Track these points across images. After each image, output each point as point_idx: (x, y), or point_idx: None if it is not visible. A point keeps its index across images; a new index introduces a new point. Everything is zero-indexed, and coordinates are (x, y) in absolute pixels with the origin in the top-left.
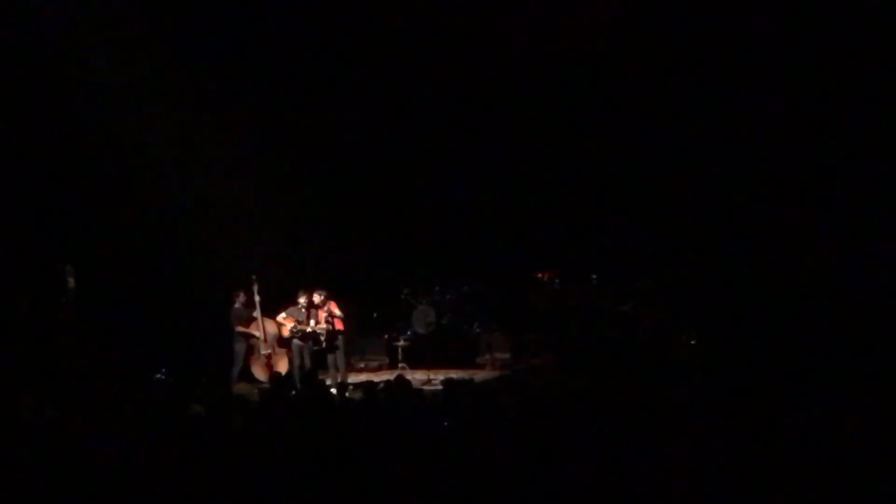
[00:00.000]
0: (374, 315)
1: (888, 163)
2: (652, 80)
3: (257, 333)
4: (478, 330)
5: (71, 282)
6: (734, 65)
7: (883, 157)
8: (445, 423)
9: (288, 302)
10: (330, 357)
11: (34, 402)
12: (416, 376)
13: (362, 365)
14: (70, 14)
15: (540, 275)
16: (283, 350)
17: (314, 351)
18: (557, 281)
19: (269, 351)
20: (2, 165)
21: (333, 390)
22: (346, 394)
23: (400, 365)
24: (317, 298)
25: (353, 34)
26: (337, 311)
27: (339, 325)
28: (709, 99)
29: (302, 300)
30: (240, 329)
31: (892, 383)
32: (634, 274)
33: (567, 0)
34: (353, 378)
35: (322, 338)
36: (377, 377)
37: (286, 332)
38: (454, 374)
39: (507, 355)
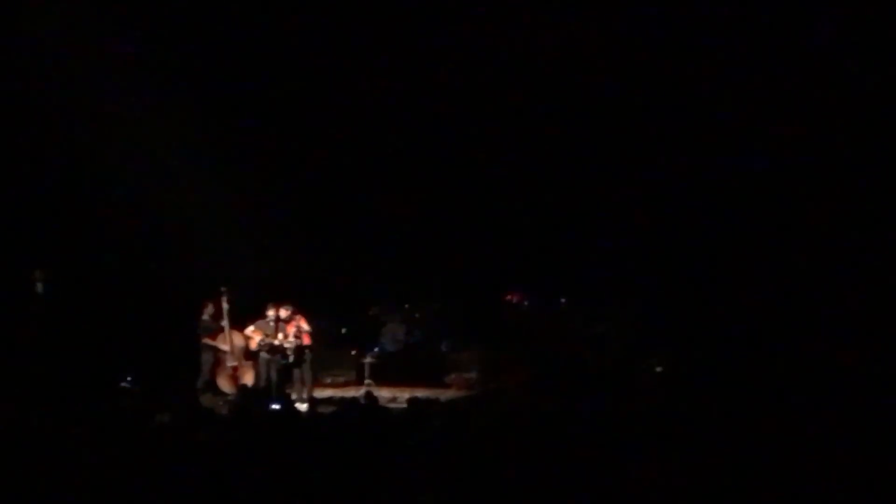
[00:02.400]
0: (343, 331)
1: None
2: (623, 107)
3: (224, 347)
4: (446, 349)
5: (39, 287)
6: (708, 92)
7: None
8: (411, 441)
9: (257, 315)
10: (296, 371)
11: None
12: (382, 394)
13: (329, 380)
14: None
15: (510, 296)
16: (250, 363)
17: (281, 365)
18: (527, 303)
19: (236, 363)
20: None
21: (299, 405)
22: (310, 409)
23: (366, 381)
24: (284, 313)
25: (329, 47)
26: (305, 326)
27: (306, 340)
28: (677, 126)
29: (270, 313)
30: (207, 341)
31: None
32: (604, 297)
33: (542, 25)
34: (319, 393)
35: (289, 352)
36: (343, 393)
37: (254, 345)
38: (421, 393)
39: (474, 375)
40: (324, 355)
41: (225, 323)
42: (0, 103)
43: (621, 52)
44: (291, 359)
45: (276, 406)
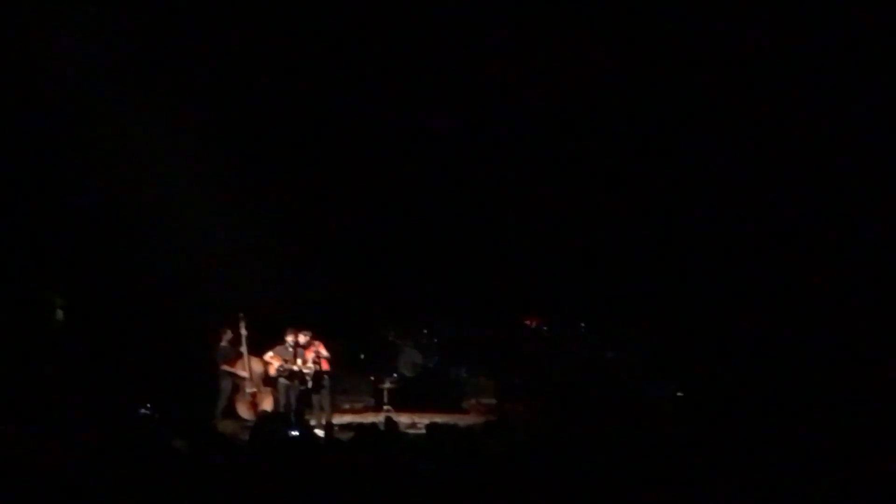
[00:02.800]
0: (361, 356)
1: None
2: (640, 129)
3: (242, 373)
4: (464, 374)
5: (59, 314)
6: (719, 116)
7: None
8: (428, 467)
9: (275, 341)
10: (315, 397)
11: (15, 434)
12: (401, 419)
13: (347, 406)
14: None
15: (528, 321)
16: (269, 389)
17: (300, 391)
18: (545, 328)
19: (255, 389)
20: None
21: (319, 431)
22: (332, 434)
23: (385, 407)
24: (302, 339)
25: (344, 77)
26: (324, 352)
27: (325, 366)
28: (693, 150)
29: (289, 339)
30: (225, 367)
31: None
32: (621, 321)
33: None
34: (338, 419)
35: (308, 378)
36: (362, 418)
37: (272, 371)
38: (439, 418)
39: (493, 400)
40: (342, 381)
41: (243, 349)
42: (22, 134)
43: (638, 75)
44: (310, 384)
45: (294, 433)
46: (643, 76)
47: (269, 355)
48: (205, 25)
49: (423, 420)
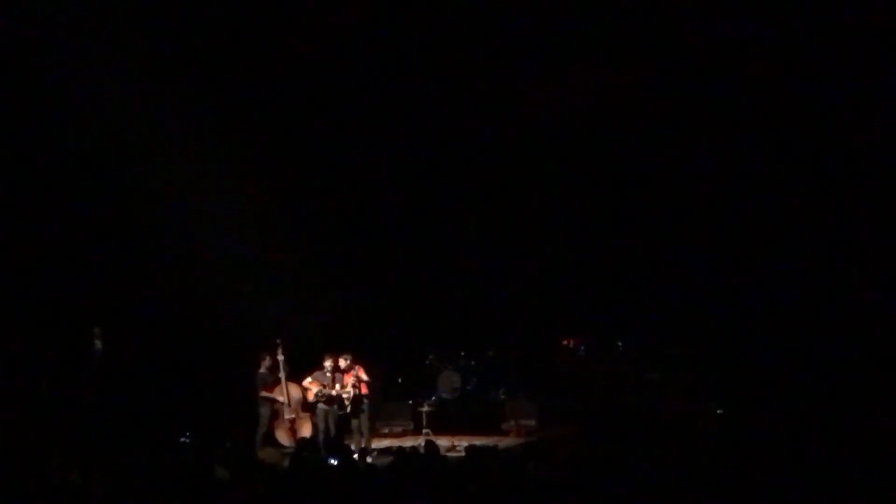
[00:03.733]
0: (399, 380)
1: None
2: (671, 147)
3: (281, 398)
4: (503, 396)
5: (98, 344)
6: (742, 137)
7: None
8: (470, 490)
9: (313, 366)
10: (354, 422)
11: (61, 464)
12: (441, 442)
13: (386, 430)
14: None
15: (566, 341)
16: (307, 414)
17: (339, 416)
18: (583, 348)
19: (294, 415)
20: (37, 229)
21: (357, 456)
22: (370, 459)
23: (424, 430)
24: (342, 363)
25: (377, 97)
26: (364, 376)
27: (364, 390)
28: (728, 165)
29: (327, 364)
30: (264, 394)
31: None
32: (661, 341)
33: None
34: (377, 443)
35: (347, 402)
36: (401, 442)
37: (311, 397)
38: (478, 441)
39: (532, 422)
40: (381, 404)
41: (282, 375)
42: (59, 167)
43: (662, 100)
44: (349, 409)
45: (333, 461)
46: (664, 98)
47: (307, 381)
48: (248, 58)
49: (462, 443)
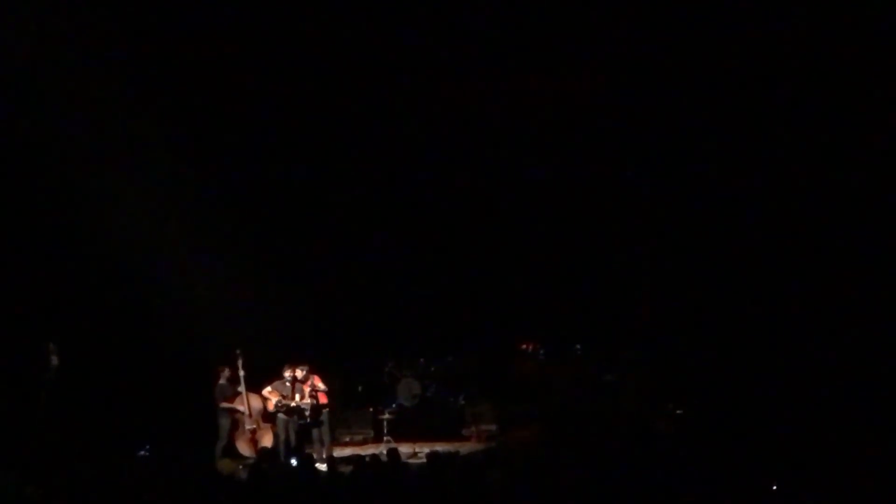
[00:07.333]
0: (359, 388)
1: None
2: (634, 155)
3: (241, 408)
4: (463, 402)
5: (54, 359)
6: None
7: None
8: (431, 497)
9: (272, 376)
10: (315, 431)
11: (16, 480)
12: (402, 449)
13: (348, 439)
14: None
15: (525, 345)
16: (268, 425)
17: (299, 425)
18: (542, 351)
19: (254, 426)
20: None
21: (319, 465)
22: (324, 467)
23: (385, 438)
24: (299, 373)
25: (330, 101)
26: (321, 385)
27: (323, 399)
28: (687, 174)
29: (287, 374)
30: (224, 405)
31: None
32: (619, 344)
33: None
34: (339, 452)
35: (307, 412)
36: (363, 450)
37: (271, 407)
38: (440, 447)
39: (493, 427)
40: (341, 413)
41: (241, 387)
42: (16, 181)
43: (631, 101)
44: (309, 419)
45: (293, 462)
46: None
47: (266, 390)
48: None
49: (423, 449)
